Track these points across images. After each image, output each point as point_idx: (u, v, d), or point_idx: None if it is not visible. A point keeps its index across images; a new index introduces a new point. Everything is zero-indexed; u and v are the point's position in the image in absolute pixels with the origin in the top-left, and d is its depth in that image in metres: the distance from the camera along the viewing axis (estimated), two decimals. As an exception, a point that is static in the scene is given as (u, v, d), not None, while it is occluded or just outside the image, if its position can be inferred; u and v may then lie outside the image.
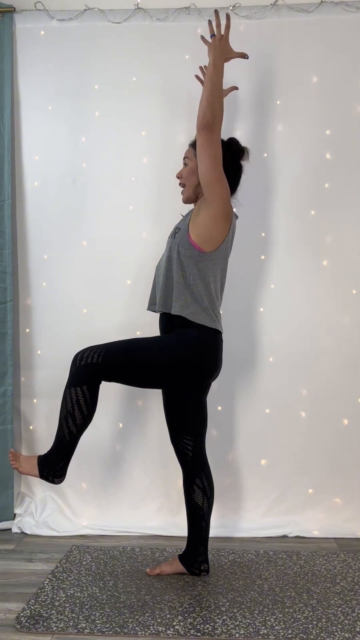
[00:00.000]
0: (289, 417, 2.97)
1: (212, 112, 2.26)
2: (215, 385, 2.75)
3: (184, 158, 2.49)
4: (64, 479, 2.31)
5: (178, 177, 2.49)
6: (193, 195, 2.46)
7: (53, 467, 2.28)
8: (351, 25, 2.89)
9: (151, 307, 2.49)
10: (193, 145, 2.46)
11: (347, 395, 2.95)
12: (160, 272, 2.40)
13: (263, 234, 2.94)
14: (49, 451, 2.30)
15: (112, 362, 2.24)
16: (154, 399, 2.94)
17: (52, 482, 2.29)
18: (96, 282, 3.02)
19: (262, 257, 2.96)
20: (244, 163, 2.49)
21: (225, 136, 2.47)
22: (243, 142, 2.85)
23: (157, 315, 2.47)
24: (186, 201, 2.51)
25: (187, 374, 2.33)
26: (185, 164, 2.48)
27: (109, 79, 2.99)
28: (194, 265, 2.31)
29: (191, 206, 2.55)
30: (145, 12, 2.96)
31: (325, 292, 2.94)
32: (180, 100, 2.91)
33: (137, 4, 2.97)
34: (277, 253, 2.96)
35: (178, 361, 2.29)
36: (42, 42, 3.01)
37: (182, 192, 2.50)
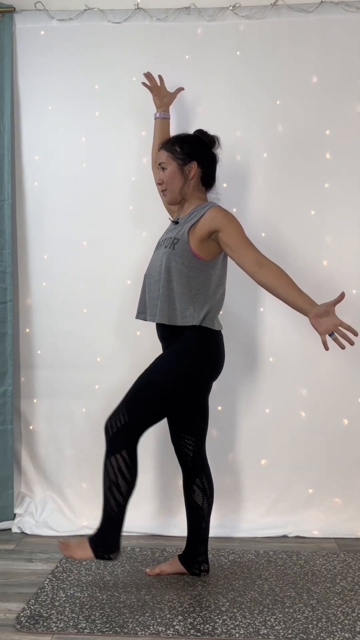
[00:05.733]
0: (289, 417, 2.97)
1: (267, 285, 2.28)
2: (215, 385, 2.74)
3: (160, 163, 2.41)
4: (120, 552, 2.24)
5: (159, 184, 2.43)
6: (179, 197, 2.41)
7: (107, 544, 2.22)
8: (351, 25, 2.88)
9: (140, 315, 2.45)
10: (165, 148, 2.41)
11: (347, 395, 2.95)
12: (156, 281, 2.34)
13: (263, 234, 2.94)
14: (98, 529, 2.23)
15: (137, 412, 2.24)
16: (154, 399, 2.93)
17: (109, 559, 2.23)
18: (96, 282, 3.02)
19: (262, 257, 2.96)
20: (217, 151, 2.45)
21: (221, 135, 2.48)
22: (243, 141, 2.86)
23: None
24: (171, 202, 2.45)
25: (200, 379, 2.34)
26: (163, 168, 2.39)
27: (109, 79, 2.99)
28: (198, 275, 2.29)
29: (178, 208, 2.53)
30: (145, 12, 2.96)
31: (326, 292, 2.94)
32: (180, 100, 2.90)
33: (137, 4, 2.97)
34: (277, 253, 2.95)
35: (190, 372, 2.29)
36: (42, 42, 3.01)
37: (165, 195, 2.44)
